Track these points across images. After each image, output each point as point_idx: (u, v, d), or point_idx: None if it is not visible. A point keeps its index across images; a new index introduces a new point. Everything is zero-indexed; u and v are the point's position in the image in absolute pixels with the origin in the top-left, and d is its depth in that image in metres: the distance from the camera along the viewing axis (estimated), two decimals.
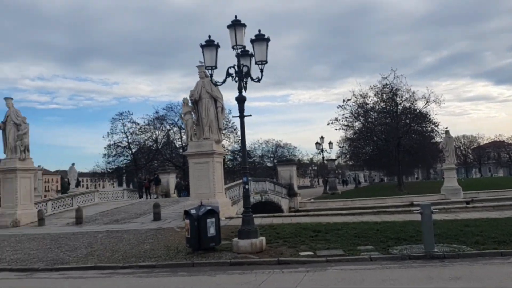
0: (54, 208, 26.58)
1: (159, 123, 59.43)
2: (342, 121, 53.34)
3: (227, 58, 12.64)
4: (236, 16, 12.43)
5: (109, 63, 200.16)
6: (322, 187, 66.05)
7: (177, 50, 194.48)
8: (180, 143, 58.36)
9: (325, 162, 57.88)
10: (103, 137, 59.84)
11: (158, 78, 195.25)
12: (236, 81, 12.56)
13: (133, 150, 59.63)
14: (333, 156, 60.89)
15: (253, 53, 12.51)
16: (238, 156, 65.74)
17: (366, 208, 26.31)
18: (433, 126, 53.61)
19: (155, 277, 10.22)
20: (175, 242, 13.95)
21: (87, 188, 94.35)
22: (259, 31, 12.49)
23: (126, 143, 58.96)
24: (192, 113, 21.30)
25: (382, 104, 52.36)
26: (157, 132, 59.87)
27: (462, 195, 35.42)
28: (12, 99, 24.08)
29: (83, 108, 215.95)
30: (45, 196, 54.95)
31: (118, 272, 10.87)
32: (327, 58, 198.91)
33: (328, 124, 54.86)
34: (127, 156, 60.15)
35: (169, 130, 59.95)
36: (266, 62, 12.41)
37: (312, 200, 42.15)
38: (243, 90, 12.57)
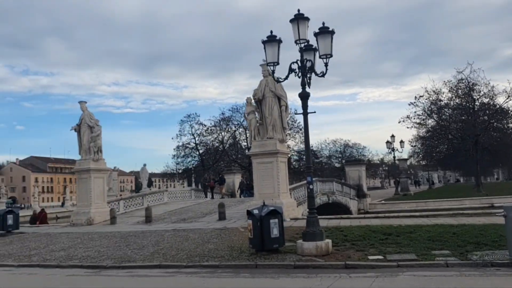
0: (126, 207, 27.59)
1: (225, 124, 60.51)
2: (414, 118, 51.55)
3: (292, 58, 12.24)
4: (299, 10, 12.03)
5: (178, 68, 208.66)
6: (393, 188, 63.95)
7: (243, 52, 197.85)
8: (245, 143, 58.84)
9: (397, 162, 55.83)
10: (172, 138, 62.07)
11: (225, 81, 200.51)
12: (299, 77, 12.14)
13: (201, 151, 61.06)
14: (405, 156, 59.10)
15: (317, 47, 12.03)
16: (304, 157, 65.05)
17: (441, 210, 24.64)
18: None
19: (217, 278, 10.08)
20: (238, 242, 13.79)
21: (159, 188, 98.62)
22: (323, 23, 12.02)
23: (194, 144, 60.54)
24: (256, 112, 21.06)
25: (457, 100, 50.01)
26: (223, 133, 61.03)
27: None
28: (85, 102, 25.21)
29: (155, 112, 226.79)
30: (120, 195, 58.10)
31: (182, 272, 10.89)
32: (397, 54, 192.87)
33: (399, 122, 53.10)
34: (194, 157, 61.76)
35: (235, 131, 60.78)
36: (331, 55, 11.91)
37: (383, 202, 40.73)
38: (306, 86, 12.13)
